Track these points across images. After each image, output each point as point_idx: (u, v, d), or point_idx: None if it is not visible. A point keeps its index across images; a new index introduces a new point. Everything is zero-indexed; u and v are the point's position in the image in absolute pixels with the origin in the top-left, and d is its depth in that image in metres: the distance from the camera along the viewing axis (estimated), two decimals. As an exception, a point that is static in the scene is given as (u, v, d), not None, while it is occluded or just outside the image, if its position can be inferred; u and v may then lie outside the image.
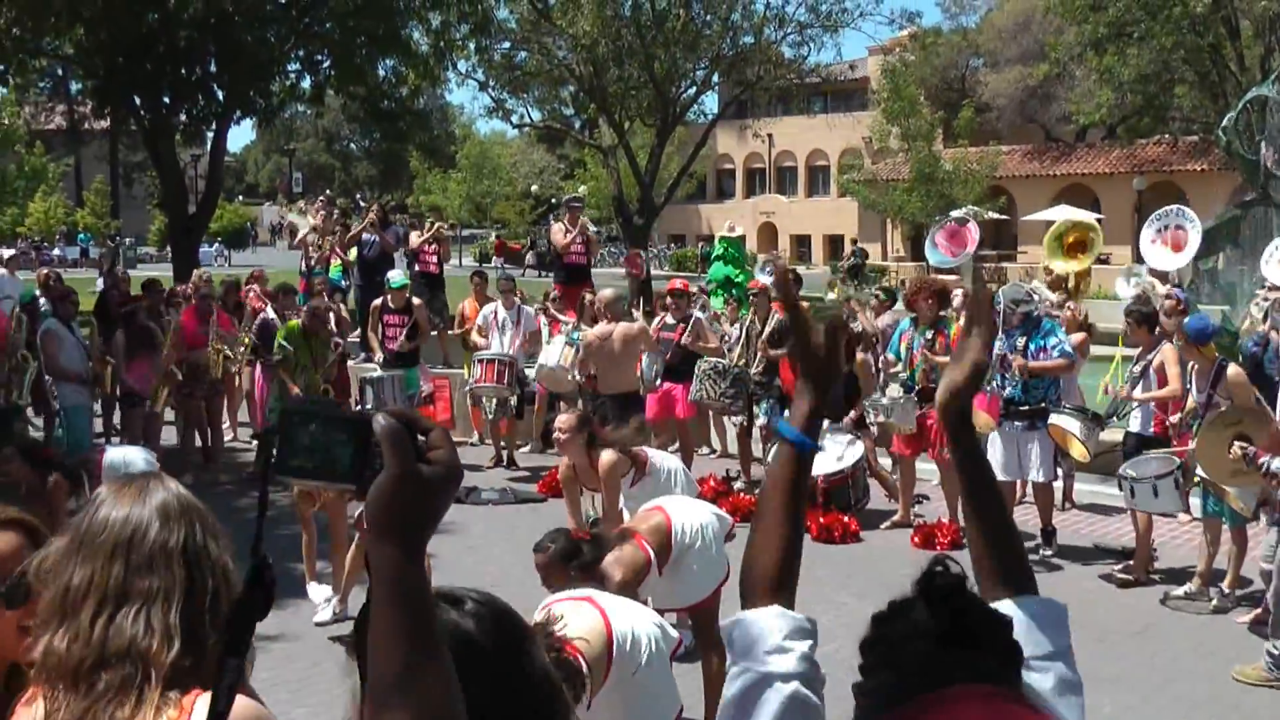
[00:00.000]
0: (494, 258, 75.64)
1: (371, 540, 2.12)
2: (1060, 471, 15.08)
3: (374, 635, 2.08)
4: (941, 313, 14.91)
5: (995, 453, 14.00)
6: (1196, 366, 12.58)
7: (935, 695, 1.79)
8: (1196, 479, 12.16)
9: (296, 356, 17.49)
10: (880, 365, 16.20)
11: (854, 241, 70.37)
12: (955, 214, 22.03)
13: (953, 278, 21.88)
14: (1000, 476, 13.86)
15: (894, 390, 14.69)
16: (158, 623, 2.80)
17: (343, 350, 18.76)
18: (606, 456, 9.75)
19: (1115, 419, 14.08)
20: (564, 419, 10.57)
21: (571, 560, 7.59)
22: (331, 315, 18.55)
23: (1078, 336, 15.76)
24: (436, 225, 25.72)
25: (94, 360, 17.02)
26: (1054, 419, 13.53)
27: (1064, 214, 41.15)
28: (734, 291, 22.20)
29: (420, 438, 2.17)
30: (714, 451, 19.21)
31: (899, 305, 19.36)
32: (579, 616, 6.38)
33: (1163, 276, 19.43)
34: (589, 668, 6.12)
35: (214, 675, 2.21)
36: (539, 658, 2.50)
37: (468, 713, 2.15)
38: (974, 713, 1.69)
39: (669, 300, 17.76)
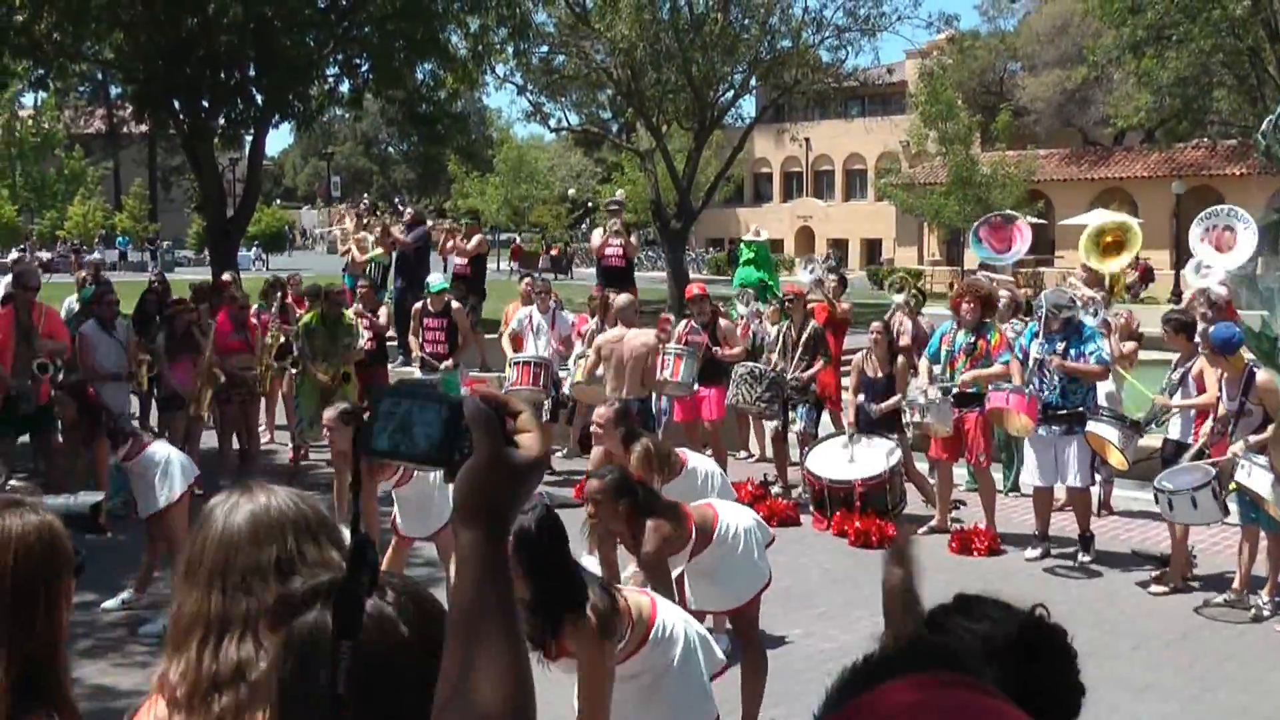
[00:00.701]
0: (511, 262, 75.99)
1: (459, 522, 2.16)
2: (1099, 477, 15.04)
3: (457, 615, 2.11)
4: (984, 319, 14.85)
5: (1032, 457, 14.00)
6: (1226, 375, 12.53)
7: (881, 688, 1.77)
8: (1233, 485, 12.11)
9: (315, 346, 17.62)
10: (916, 368, 16.12)
11: (884, 252, 70.22)
12: (998, 214, 21.87)
13: (1003, 277, 21.72)
14: (1037, 482, 13.91)
15: (932, 391, 14.65)
16: (264, 642, 2.78)
17: (375, 332, 18.88)
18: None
19: (1154, 426, 14.03)
20: (602, 411, 10.64)
21: (623, 497, 7.75)
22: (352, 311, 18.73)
23: (1129, 345, 15.73)
24: (452, 227, 25.63)
25: (130, 359, 17.04)
26: (1091, 426, 13.47)
27: (1101, 218, 41.06)
28: (767, 296, 22.15)
29: (509, 421, 2.21)
30: (751, 456, 19.20)
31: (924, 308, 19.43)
32: (633, 593, 6.61)
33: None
34: (630, 624, 6.30)
35: (330, 661, 2.25)
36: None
37: (389, 697, 2.23)
38: (903, 693, 1.68)
39: (689, 306, 17.76)
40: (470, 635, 2.09)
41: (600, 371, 15.89)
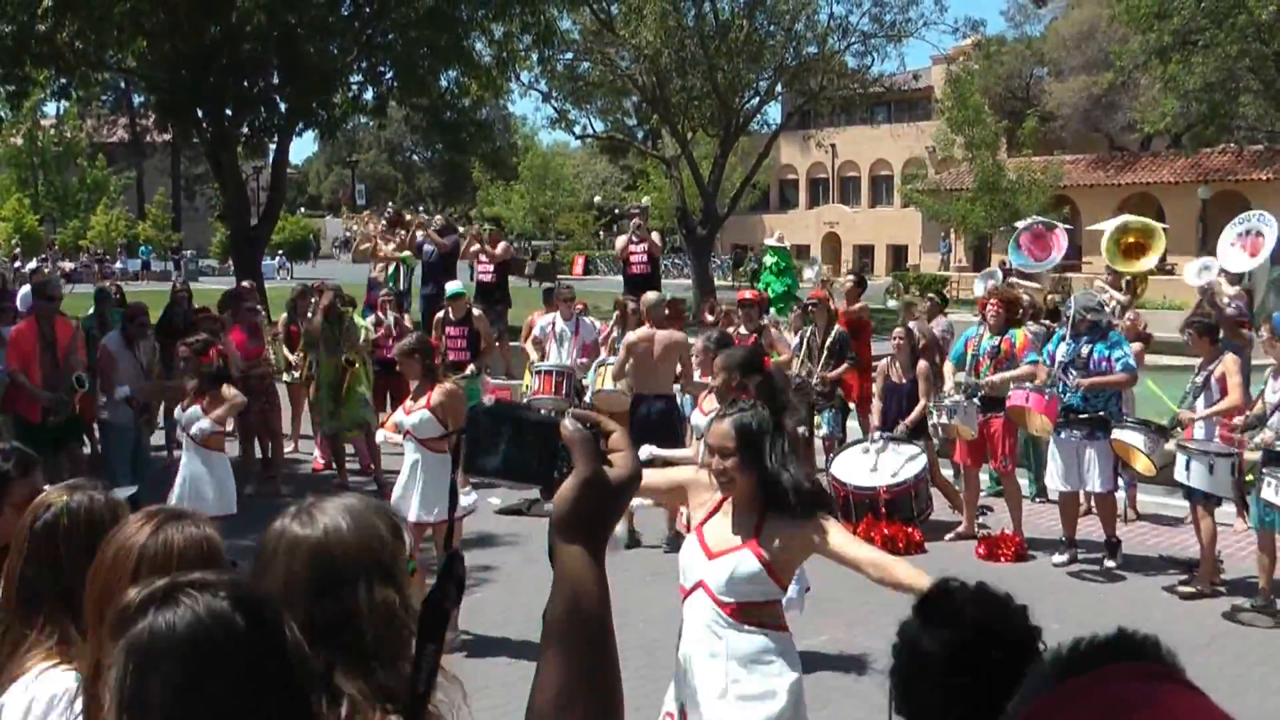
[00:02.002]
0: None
1: (557, 539, 2.27)
2: (1122, 482, 15.01)
3: (553, 627, 2.21)
4: (1009, 323, 14.82)
5: (1054, 462, 13.95)
6: (1276, 365, 12.47)
7: (1091, 675, 1.72)
8: (1249, 479, 12.08)
9: (321, 350, 17.66)
10: (941, 372, 16.06)
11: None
12: (1023, 223, 21.76)
13: (1032, 285, 21.67)
14: (1061, 487, 13.85)
15: (959, 394, 14.64)
16: (347, 699, 2.72)
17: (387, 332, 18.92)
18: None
19: (1178, 431, 13.97)
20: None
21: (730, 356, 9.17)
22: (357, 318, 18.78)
23: (1135, 347, 15.65)
24: (477, 232, 25.52)
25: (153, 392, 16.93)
26: (1117, 433, 13.45)
27: (1126, 219, 40.89)
28: (789, 304, 22.07)
29: (602, 441, 2.32)
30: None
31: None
32: None
33: (1235, 279, 19.23)
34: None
35: (414, 662, 2.38)
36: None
37: (222, 692, 2.25)
38: (1129, 689, 1.62)
39: (739, 311, 17.73)
40: (565, 647, 2.19)
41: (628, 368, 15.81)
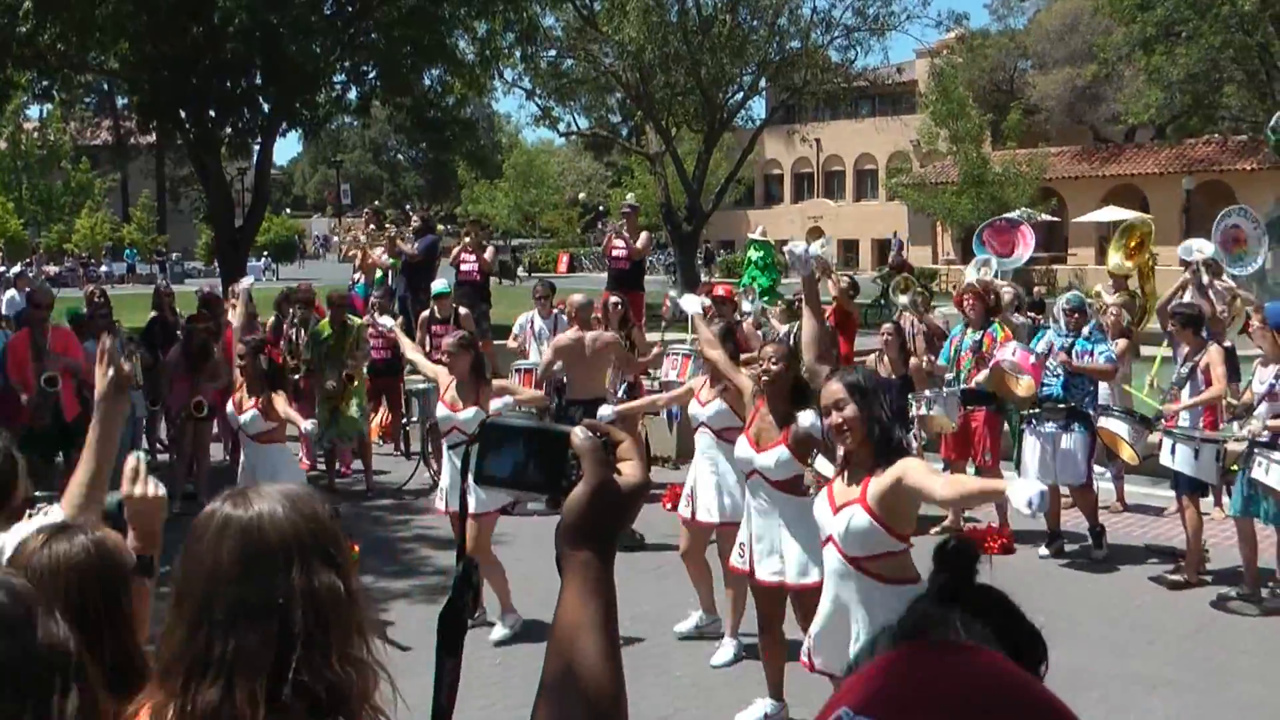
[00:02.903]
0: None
1: (567, 544, 2.29)
2: (1110, 474, 15.04)
3: (563, 630, 2.24)
4: (990, 317, 14.83)
5: (1030, 455, 13.97)
6: (1268, 355, 12.49)
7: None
8: (1234, 467, 12.11)
9: (323, 354, 17.60)
10: (931, 369, 16.02)
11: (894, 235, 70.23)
12: (1012, 215, 21.74)
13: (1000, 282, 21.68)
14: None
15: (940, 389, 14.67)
16: (239, 690, 2.63)
17: (388, 342, 18.84)
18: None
19: (1163, 420, 14.00)
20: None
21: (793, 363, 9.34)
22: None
23: (1121, 343, 15.66)
24: (465, 245, 25.39)
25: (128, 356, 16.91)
26: (1103, 422, 13.52)
27: (1113, 215, 40.93)
28: (773, 298, 22.05)
29: (610, 449, 2.35)
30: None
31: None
32: None
33: (1218, 271, 19.29)
34: None
35: (435, 676, 2.48)
36: (52, 630, 2.54)
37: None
38: (912, 661, 1.78)
39: (712, 295, 17.71)
40: (570, 649, 2.22)
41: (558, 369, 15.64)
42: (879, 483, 6.84)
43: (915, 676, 1.75)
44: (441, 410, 11.76)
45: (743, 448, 9.34)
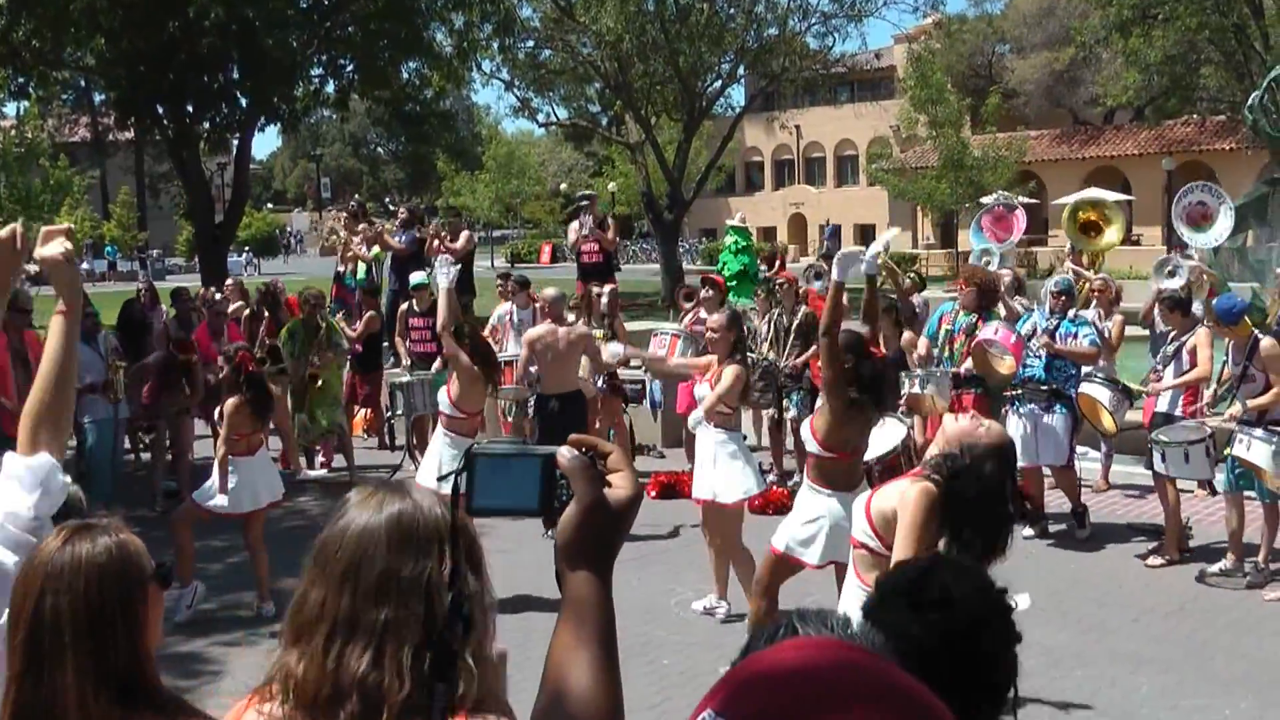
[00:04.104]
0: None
1: (564, 566, 2.32)
2: (1099, 452, 15.10)
3: (562, 647, 2.29)
4: (987, 306, 14.83)
5: (1011, 434, 14.01)
6: (1232, 341, 12.63)
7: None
8: (1226, 451, 12.16)
9: (293, 350, 17.49)
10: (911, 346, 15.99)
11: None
12: (988, 199, 21.74)
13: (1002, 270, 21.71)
14: (1019, 462, 13.93)
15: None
16: (389, 660, 2.62)
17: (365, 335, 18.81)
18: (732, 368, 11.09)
19: (1145, 395, 14.06)
20: (715, 319, 11.37)
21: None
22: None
23: (1117, 319, 15.67)
24: (436, 229, 25.24)
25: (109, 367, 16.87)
26: (1084, 388, 13.65)
27: (1094, 196, 41.04)
28: (746, 282, 22.07)
29: (599, 463, 2.36)
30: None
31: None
32: None
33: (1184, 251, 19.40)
34: None
35: (429, 703, 2.49)
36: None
37: None
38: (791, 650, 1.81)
39: (702, 294, 17.71)
40: (569, 663, 2.27)
41: (534, 369, 15.45)
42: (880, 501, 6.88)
43: (769, 670, 1.75)
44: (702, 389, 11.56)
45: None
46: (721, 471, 11.02)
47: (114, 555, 3.46)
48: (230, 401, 12.26)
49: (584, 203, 23.79)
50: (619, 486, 2.34)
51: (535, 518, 2.38)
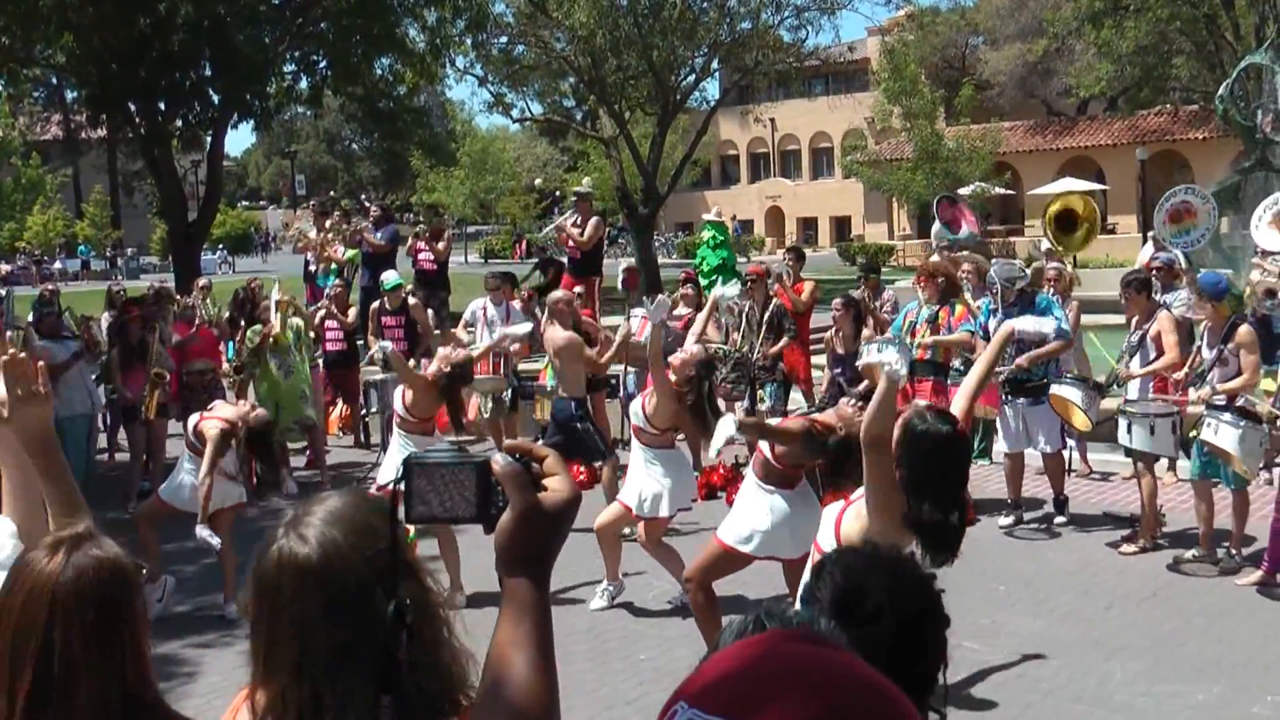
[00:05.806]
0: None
1: (503, 572, 2.35)
2: (1071, 441, 15.17)
3: (501, 648, 2.30)
4: (949, 295, 14.87)
5: (1002, 427, 14.09)
6: (1209, 324, 12.65)
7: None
8: (1193, 433, 12.21)
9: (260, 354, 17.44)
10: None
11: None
12: (966, 190, 21.94)
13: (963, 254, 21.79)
14: (1006, 449, 13.99)
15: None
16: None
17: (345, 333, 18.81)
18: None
19: (1115, 387, 14.06)
20: (692, 352, 11.58)
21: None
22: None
23: (1073, 305, 15.68)
24: (418, 234, 25.19)
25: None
26: (1055, 389, 13.55)
27: (1068, 187, 41.24)
28: (725, 276, 22.15)
29: (535, 466, 2.38)
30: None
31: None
32: None
33: (1158, 245, 19.50)
34: None
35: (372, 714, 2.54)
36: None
37: None
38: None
39: (682, 289, 17.75)
40: (502, 666, 2.29)
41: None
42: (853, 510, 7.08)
43: (739, 663, 1.77)
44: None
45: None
46: (649, 489, 11.36)
47: (113, 566, 3.30)
48: (219, 430, 12.09)
49: (576, 197, 23.86)
50: (555, 489, 2.35)
51: (474, 524, 2.37)
